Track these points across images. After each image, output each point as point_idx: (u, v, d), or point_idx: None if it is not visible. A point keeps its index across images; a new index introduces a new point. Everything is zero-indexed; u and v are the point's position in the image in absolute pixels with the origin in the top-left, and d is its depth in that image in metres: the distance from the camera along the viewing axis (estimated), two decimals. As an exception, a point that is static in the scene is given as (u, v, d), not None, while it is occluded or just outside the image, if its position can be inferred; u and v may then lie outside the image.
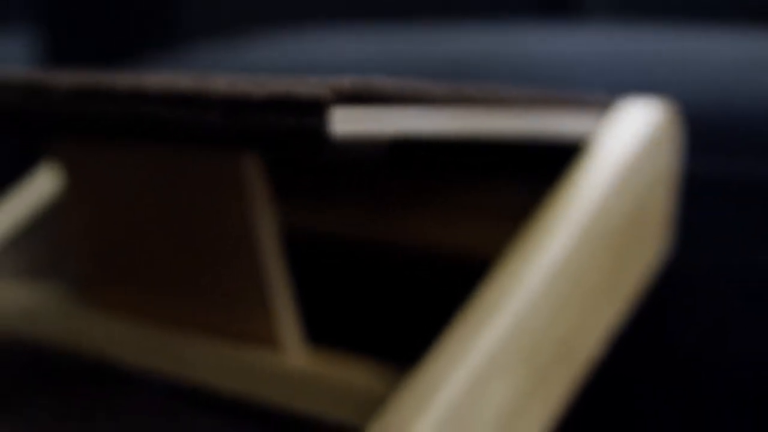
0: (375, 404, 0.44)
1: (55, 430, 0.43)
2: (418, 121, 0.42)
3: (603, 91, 0.58)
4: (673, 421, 0.59)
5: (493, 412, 0.43)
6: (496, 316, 0.44)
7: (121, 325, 0.53)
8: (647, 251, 0.54)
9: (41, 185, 0.62)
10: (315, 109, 0.37)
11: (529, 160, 0.56)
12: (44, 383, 0.49)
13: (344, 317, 0.59)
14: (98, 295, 0.55)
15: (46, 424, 0.43)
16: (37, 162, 0.65)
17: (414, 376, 0.43)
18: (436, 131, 0.43)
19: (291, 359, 0.49)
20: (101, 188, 0.52)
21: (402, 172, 0.60)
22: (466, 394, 0.43)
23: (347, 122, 0.38)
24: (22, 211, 0.61)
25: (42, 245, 0.61)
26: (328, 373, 0.47)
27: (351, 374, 0.47)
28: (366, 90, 0.38)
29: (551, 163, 0.54)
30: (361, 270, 0.62)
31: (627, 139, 0.53)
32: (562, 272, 0.47)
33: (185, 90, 0.40)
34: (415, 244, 0.59)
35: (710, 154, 0.59)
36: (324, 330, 0.53)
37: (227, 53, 0.82)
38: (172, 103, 0.41)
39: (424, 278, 0.59)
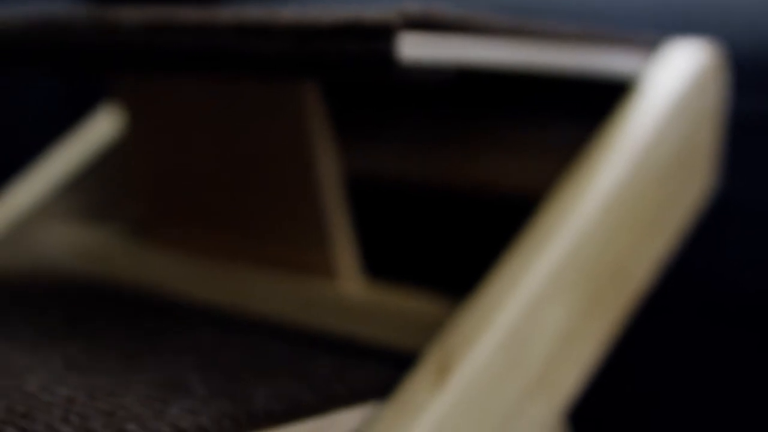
0: (433, 329, 0.46)
1: (122, 353, 0.44)
2: (481, 51, 0.43)
3: (650, 32, 0.59)
4: (716, 350, 0.60)
5: (550, 334, 0.45)
6: (552, 241, 0.45)
7: (182, 261, 0.55)
8: (694, 187, 0.56)
9: (101, 127, 0.64)
10: (384, 33, 0.38)
11: (578, 100, 0.57)
12: (109, 316, 0.51)
13: (400, 254, 0.60)
14: (159, 233, 0.57)
15: (115, 349, 0.45)
16: (96, 104, 0.66)
17: (473, 300, 0.44)
18: (497, 62, 0.44)
19: (349, 288, 0.50)
20: (163, 126, 0.54)
21: (456, 112, 0.62)
22: (524, 317, 0.44)
23: (414, 47, 0.39)
24: (81, 153, 0.62)
25: (101, 187, 0.62)
26: (386, 301, 0.49)
27: (408, 301, 0.48)
28: (434, 17, 0.40)
29: (600, 102, 0.55)
30: (415, 209, 0.64)
31: (675, 78, 0.54)
32: (615, 202, 0.48)
33: (255, 20, 0.42)
34: (469, 183, 0.61)
35: (754, 94, 0.60)
36: (380, 268, 0.54)
37: None
38: (242, 33, 0.42)
39: (479, 216, 0.61)
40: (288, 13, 0.41)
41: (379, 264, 0.54)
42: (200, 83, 0.51)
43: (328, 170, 0.49)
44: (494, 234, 0.52)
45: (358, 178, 0.57)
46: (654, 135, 0.51)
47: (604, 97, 0.55)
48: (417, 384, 0.41)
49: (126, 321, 0.50)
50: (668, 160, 0.52)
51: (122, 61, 0.47)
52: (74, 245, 0.59)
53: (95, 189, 0.62)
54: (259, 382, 0.41)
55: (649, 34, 0.57)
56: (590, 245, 0.47)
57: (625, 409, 0.62)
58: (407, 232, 0.64)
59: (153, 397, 0.38)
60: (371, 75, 0.39)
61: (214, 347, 0.45)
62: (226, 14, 0.43)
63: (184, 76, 0.51)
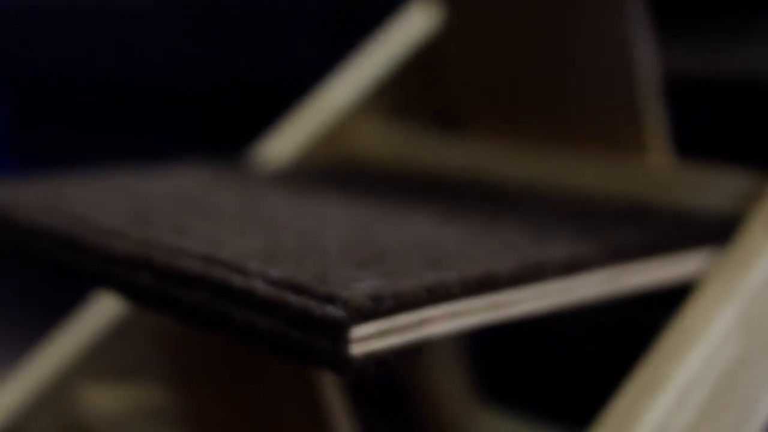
0: (750, 196, 0.50)
1: (477, 213, 0.49)
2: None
3: None
4: None
5: None
6: None
7: (496, 146, 0.60)
8: None
9: (412, 24, 0.69)
10: None
11: None
12: (443, 193, 0.56)
13: (699, 141, 0.64)
14: (473, 122, 0.62)
15: (468, 212, 0.49)
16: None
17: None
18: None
19: (662, 163, 0.55)
20: (481, 17, 0.59)
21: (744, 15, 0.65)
22: None
23: None
24: (393, 50, 0.68)
25: (411, 81, 0.68)
26: (699, 173, 0.53)
27: (720, 172, 0.52)
28: None
29: None
30: (710, 99, 0.67)
31: None
32: None
33: None
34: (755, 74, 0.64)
35: None
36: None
37: None
38: None
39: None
40: None
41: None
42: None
43: (643, 47, 0.53)
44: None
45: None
46: None
47: None
48: (753, 231, 0.46)
49: (459, 195, 0.55)
50: None
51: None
52: (389, 139, 0.65)
53: (405, 84, 0.68)
54: (611, 227, 0.46)
55: None
56: None
57: None
58: (704, 122, 0.67)
59: (528, 234, 0.43)
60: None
61: (552, 209, 0.50)
62: None
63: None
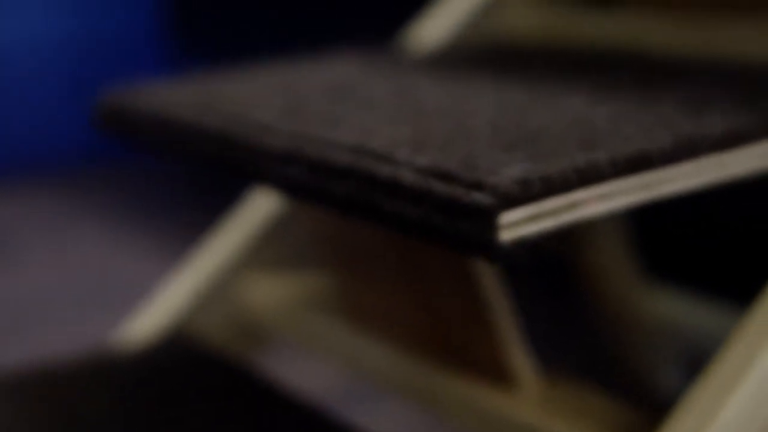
0: None
1: (633, 86, 0.48)
2: None
3: None
4: None
5: None
6: None
7: (652, 17, 0.59)
8: None
9: None
10: None
11: None
12: (597, 69, 0.54)
13: None
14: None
15: (625, 86, 0.48)
16: None
17: None
18: None
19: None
20: None
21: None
22: None
23: None
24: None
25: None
26: None
27: None
28: None
29: None
30: None
31: None
32: None
33: None
34: None
35: None
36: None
37: None
38: None
39: None
40: None
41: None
42: None
43: None
44: None
45: None
46: None
47: None
48: None
49: (614, 70, 0.54)
50: None
51: None
52: (540, 16, 0.64)
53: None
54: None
55: None
56: None
57: None
58: None
59: (685, 107, 0.42)
60: None
61: (710, 81, 0.49)
62: None
63: None
